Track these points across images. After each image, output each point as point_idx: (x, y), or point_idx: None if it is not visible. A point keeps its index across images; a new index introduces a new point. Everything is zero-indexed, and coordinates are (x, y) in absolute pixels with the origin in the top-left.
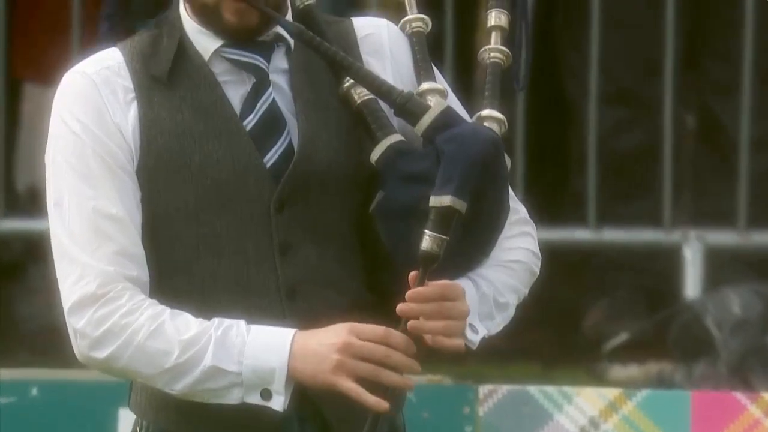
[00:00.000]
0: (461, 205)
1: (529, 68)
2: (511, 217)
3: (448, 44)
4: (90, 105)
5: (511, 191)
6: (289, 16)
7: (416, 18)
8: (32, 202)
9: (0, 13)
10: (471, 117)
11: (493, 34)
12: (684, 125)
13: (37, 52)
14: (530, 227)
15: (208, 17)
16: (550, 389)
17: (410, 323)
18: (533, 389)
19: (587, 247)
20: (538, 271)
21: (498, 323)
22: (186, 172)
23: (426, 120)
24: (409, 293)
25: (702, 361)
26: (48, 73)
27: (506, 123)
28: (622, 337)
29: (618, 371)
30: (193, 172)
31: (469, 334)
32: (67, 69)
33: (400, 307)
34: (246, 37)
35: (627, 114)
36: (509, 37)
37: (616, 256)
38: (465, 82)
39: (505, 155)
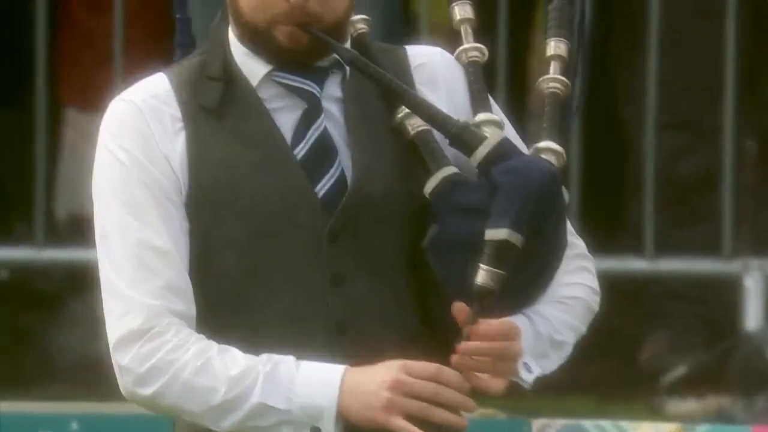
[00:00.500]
0: (517, 239)
1: (584, 93)
2: (569, 252)
3: (500, 69)
4: (136, 134)
5: (569, 225)
6: (348, 45)
7: (472, 47)
8: (73, 231)
9: (41, 36)
10: (528, 147)
11: (552, 64)
12: (744, 151)
13: (81, 77)
14: (589, 262)
15: (260, 41)
16: (606, 424)
17: (459, 360)
18: (589, 424)
19: (644, 277)
20: (597, 307)
21: (554, 362)
22: (235, 204)
23: (482, 151)
24: (465, 331)
25: (763, 395)
26: (92, 99)
27: (565, 156)
28: (680, 370)
29: (676, 405)
30: (242, 204)
31: (523, 373)
32: (111, 96)
33: (455, 358)
34: (299, 61)
35: (685, 140)
36: (568, 64)
37: (674, 287)
38: (517, 109)
39: (563, 188)
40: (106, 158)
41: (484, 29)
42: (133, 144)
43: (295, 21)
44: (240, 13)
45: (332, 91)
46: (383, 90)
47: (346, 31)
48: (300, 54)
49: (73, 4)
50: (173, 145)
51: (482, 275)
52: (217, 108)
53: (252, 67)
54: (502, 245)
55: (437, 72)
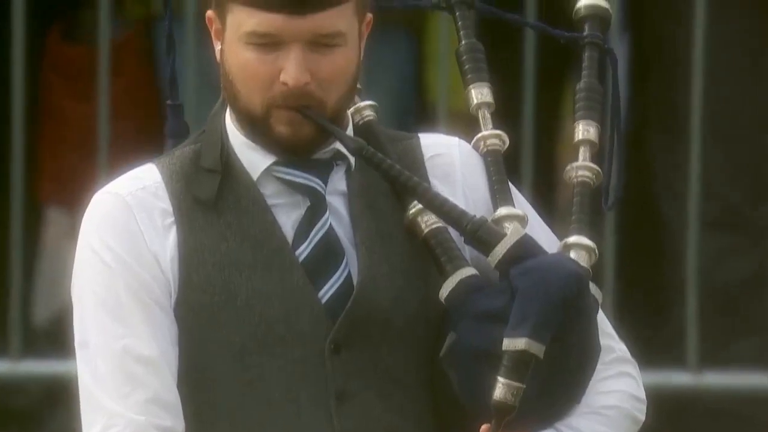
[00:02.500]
0: (538, 349)
1: (620, 186)
2: (607, 357)
3: (525, 157)
4: (122, 230)
5: (608, 327)
6: (349, 131)
7: (492, 134)
8: (53, 341)
9: (18, 126)
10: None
11: (581, 149)
12: None
13: (62, 171)
14: (631, 366)
15: (257, 129)
16: None
17: None
18: None
19: (687, 392)
20: (642, 416)
21: None
22: (231, 308)
23: (500, 250)
24: None
25: None
26: (74, 195)
27: (597, 251)
28: None
29: None
30: (239, 308)
31: None
32: (95, 189)
33: None
34: (300, 152)
35: (732, 240)
36: (599, 152)
37: (719, 403)
38: (545, 201)
39: (595, 287)
40: (88, 257)
41: (506, 114)
42: (119, 242)
43: (294, 105)
44: (236, 98)
45: (337, 185)
46: (392, 183)
47: (346, 117)
48: (300, 143)
49: (56, 91)
50: (163, 242)
51: (500, 389)
52: (213, 202)
53: (252, 158)
54: (521, 356)
55: (454, 165)
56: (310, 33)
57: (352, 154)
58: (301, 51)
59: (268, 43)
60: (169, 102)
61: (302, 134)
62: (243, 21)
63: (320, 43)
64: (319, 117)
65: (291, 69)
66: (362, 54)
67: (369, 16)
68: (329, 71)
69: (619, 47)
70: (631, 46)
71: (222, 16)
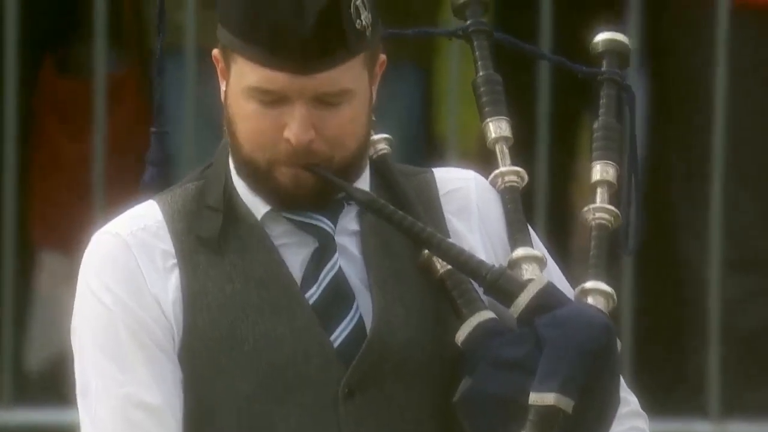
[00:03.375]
0: (567, 404)
1: (639, 230)
2: (621, 409)
3: (539, 196)
4: (123, 273)
5: (621, 379)
6: (365, 175)
7: (510, 171)
8: (47, 388)
9: (10, 172)
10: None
11: (599, 190)
12: None
13: (56, 214)
14: (642, 421)
15: (259, 181)
16: None
17: None
18: None
19: None
20: None
21: None
22: (237, 353)
23: (523, 300)
24: None
25: None
26: (67, 238)
27: (615, 297)
28: None
29: None
30: (246, 353)
31: None
32: (91, 231)
33: None
34: (303, 206)
35: (756, 282)
36: (617, 193)
37: None
38: (559, 244)
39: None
40: (87, 300)
41: (519, 150)
42: (119, 284)
43: (299, 162)
44: (238, 149)
45: (348, 224)
46: (404, 234)
47: (362, 165)
48: (304, 196)
49: (49, 128)
50: (165, 284)
51: None
52: (216, 241)
53: (255, 200)
54: (548, 411)
55: (470, 200)
56: (314, 91)
57: (361, 207)
58: (305, 108)
59: (272, 98)
60: (153, 129)
61: (307, 188)
62: (246, 74)
63: (325, 100)
64: (326, 172)
65: (294, 127)
66: (375, 97)
67: (382, 57)
68: (335, 128)
69: (638, 82)
70: (651, 81)
71: (226, 61)
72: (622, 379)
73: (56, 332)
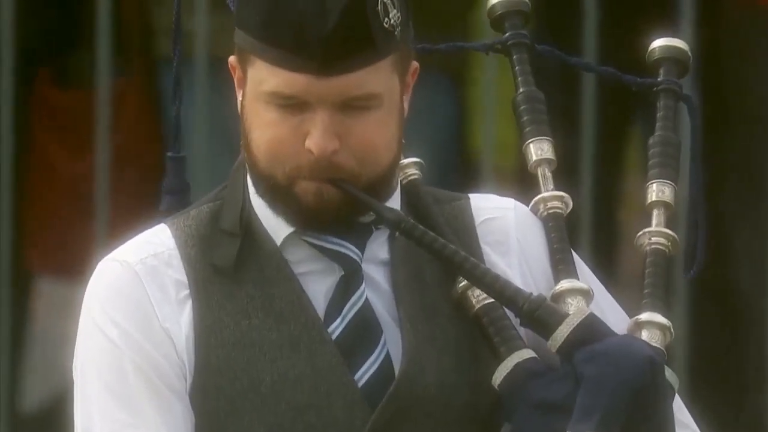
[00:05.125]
0: None
1: (702, 253)
2: None
3: (584, 221)
4: (131, 305)
5: (686, 416)
6: (396, 196)
7: (553, 196)
8: (44, 427)
9: (6, 192)
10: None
11: (655, 212)
12: None
13: (57, 236)
14: None
15: (278, 198)
16: None
17: None
18: None
19: None
20: None
21: None
22: (254, 394)
23: (562, 332)
24: None
25: None
26: (68, 263)
27: (672, 330)
28: None
29: None
30: (263, 394)
31: None
32: (93, 256)
33: None
34: (326, 225)
35: None
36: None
37: None
38: (607, 271)
39: (671, 372)
40: (92, 335)
41: (561, 169)
42: (127, 318)
43: (322, 176)
44: (255, 164)
45: (376, 252)
46: (436, 258)
47: (392, 184)
48: (329, 215)
49: (46, 145)
50: (177, 317)
51: None
52: (233, 269)
53: (274, 223)
54: None
55: (508, 230)
56: (338, 95)
57: (390, 228)
58: (328, 115)
59: (292, 104)
60: (169, 153)
61: (331, 205)
62: (264, 78)
63: (351, 105)
64: (352, 187)
65: (316, 135)
66: (407, 109)
67: (414, 65)
68: (362, 138)
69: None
70: (704, 96)
71: (243, 67)
72: (689, 418)
73: (56, 369)
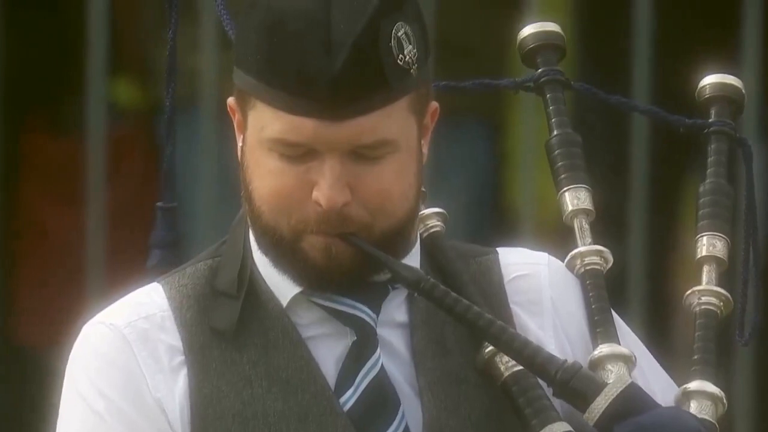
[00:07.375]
0: None
1: (759, 315)
2: None
3: (633, 277)
4: (120, 373)
5: None
6: (415, 251)
7: (591, 251)
8: None
9: None
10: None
11: (705, 269)
12: None
13: (42, 303)
14: None
15: (283, 255)
16: None
17: None
18: None
19: None
20: None
21: None
22: None
23: (599, 405)
24: None
25: None
26: (57, 331)
27: (725, 401)
28: None
29: None
30: None
31: None
32: (84, 321)
33: None
34: (336, 286)
35: None
36: (728, 271)
37: None
38: (657, 334)
39: None
40: (75, 407)
41: (606, 220)
42: (115, 388)
43: (331, 230)
44: (257, 216)
45: (393, 313)
46: (458, 321)
47: (410, 238)
48: (339, 274)
49: (34, 198)
50: (171, 388)
51: None
52: (233, 334)
53: (280, 281)
54: None
55: (541, 289)
56: (349, 142)
57: (407, 287)
58: (338, 163)
59: (298, 152)
60: (159, 204)
61: (341, 263)
62: (267, 123)
63: (363, 154)
64: (365, 243)
65: (325, 186)
66: (426, 155)
67: (434, 105)
68: (375, 189)
69: (755, 136)
70: (766, 139)
71: (243, 109)
72: None
73: None
